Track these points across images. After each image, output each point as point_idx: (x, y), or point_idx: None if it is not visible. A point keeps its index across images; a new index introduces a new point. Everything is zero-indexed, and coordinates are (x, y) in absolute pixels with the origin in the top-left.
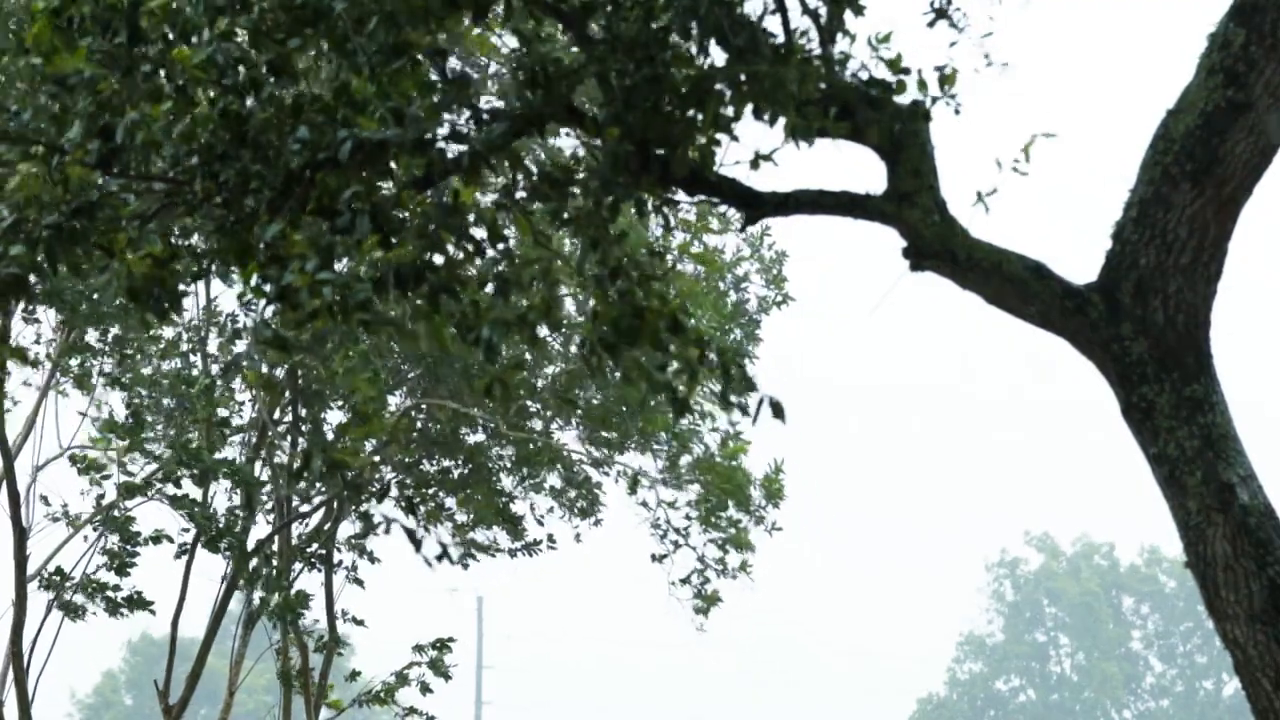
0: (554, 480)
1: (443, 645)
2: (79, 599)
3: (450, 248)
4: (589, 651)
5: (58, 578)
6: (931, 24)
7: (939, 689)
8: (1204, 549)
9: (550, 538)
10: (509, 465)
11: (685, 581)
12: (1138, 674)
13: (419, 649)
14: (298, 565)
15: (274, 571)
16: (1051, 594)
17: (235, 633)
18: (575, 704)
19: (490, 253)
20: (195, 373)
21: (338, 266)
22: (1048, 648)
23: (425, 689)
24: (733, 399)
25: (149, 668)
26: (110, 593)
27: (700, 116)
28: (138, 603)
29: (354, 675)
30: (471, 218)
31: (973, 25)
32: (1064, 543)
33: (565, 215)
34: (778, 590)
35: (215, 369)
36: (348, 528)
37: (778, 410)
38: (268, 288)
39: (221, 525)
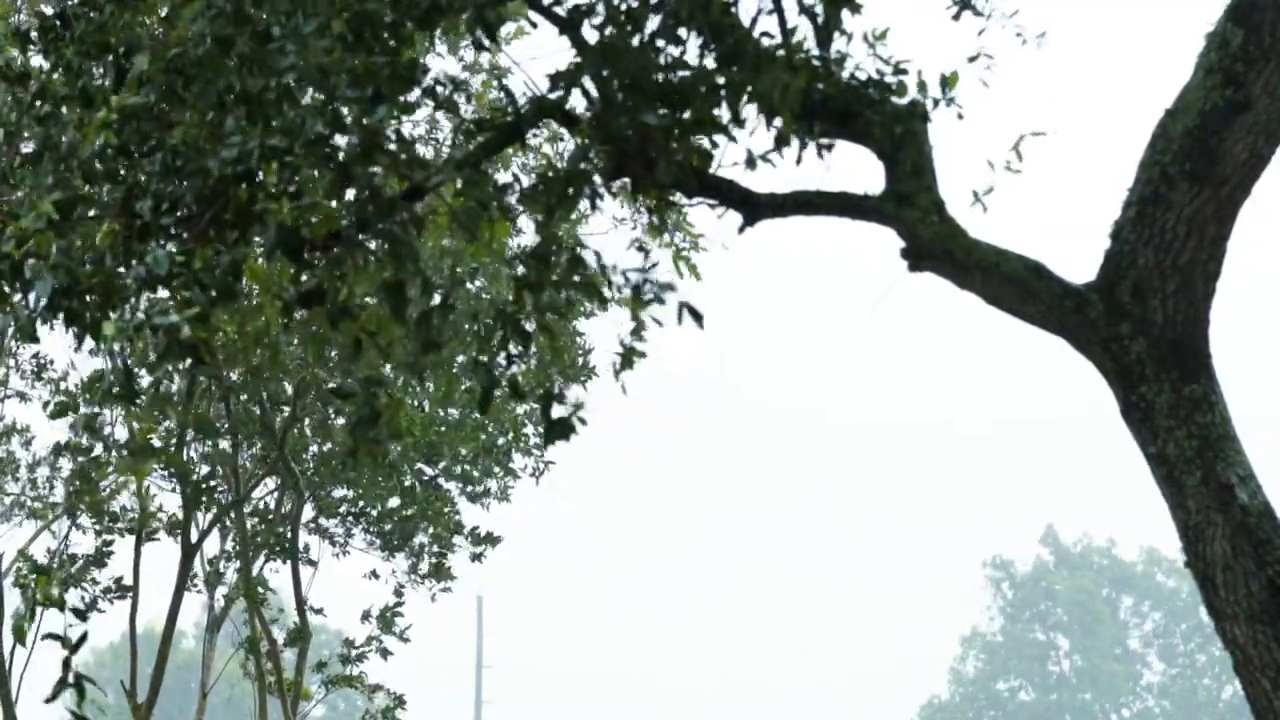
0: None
1: (390, 611)
2: (55, 591)
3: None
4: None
5: (31, 577)
6: (956, 16)
7: (941, 690)
8: (1203, 549)
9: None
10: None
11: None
12: (1137, 674)
13: (366, 617)
14: (262, 556)
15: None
16: (1050, 594)
17: (203, 635)
18: (568, 703)
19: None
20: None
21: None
22: (1047, 648)
23: (385, 654)
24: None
25: (142, 666)
26: (86, 585)
27: (688, 118)
28: (115, 592)
29: (320, 666)
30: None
31: (995, 10)
32: (1064, 542)
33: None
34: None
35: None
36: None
37: (695, 315)
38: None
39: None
